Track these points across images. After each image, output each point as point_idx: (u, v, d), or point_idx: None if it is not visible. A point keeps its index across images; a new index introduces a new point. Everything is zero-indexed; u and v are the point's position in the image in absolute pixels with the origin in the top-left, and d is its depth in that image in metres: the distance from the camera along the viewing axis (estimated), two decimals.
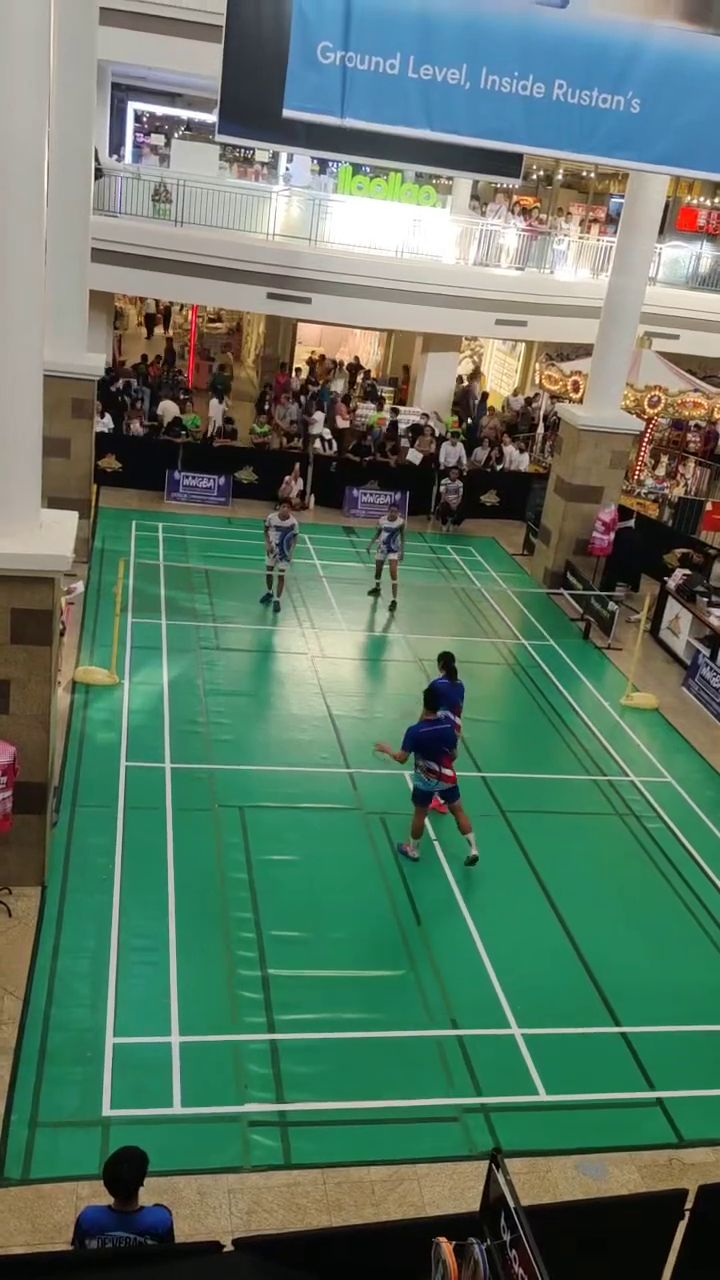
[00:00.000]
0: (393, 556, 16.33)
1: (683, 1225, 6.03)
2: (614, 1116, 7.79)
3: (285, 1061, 7.78)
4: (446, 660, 11.09)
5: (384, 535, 16.27)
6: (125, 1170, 5.15)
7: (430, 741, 9.87)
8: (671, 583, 16.88)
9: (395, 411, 23.55)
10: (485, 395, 28.31)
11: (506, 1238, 4.67)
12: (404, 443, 21.89)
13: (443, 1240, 4.87)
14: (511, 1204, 4.65)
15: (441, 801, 10.23)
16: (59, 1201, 6.44)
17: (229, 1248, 5.25)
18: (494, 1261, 4.69)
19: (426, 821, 10.37)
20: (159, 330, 34.05)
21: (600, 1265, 5.78)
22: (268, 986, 8.45)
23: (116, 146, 27.53)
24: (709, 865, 11.03)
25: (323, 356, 28.52)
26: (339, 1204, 6.76)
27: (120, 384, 22.48)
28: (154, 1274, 5.01)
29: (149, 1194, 5.35)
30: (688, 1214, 6.01)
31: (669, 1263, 6.17)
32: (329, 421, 22.19)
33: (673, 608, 16.60)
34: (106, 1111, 7.14)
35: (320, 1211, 6.68)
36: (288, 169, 26.16)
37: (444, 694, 10.92)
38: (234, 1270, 5.12)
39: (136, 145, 29.92)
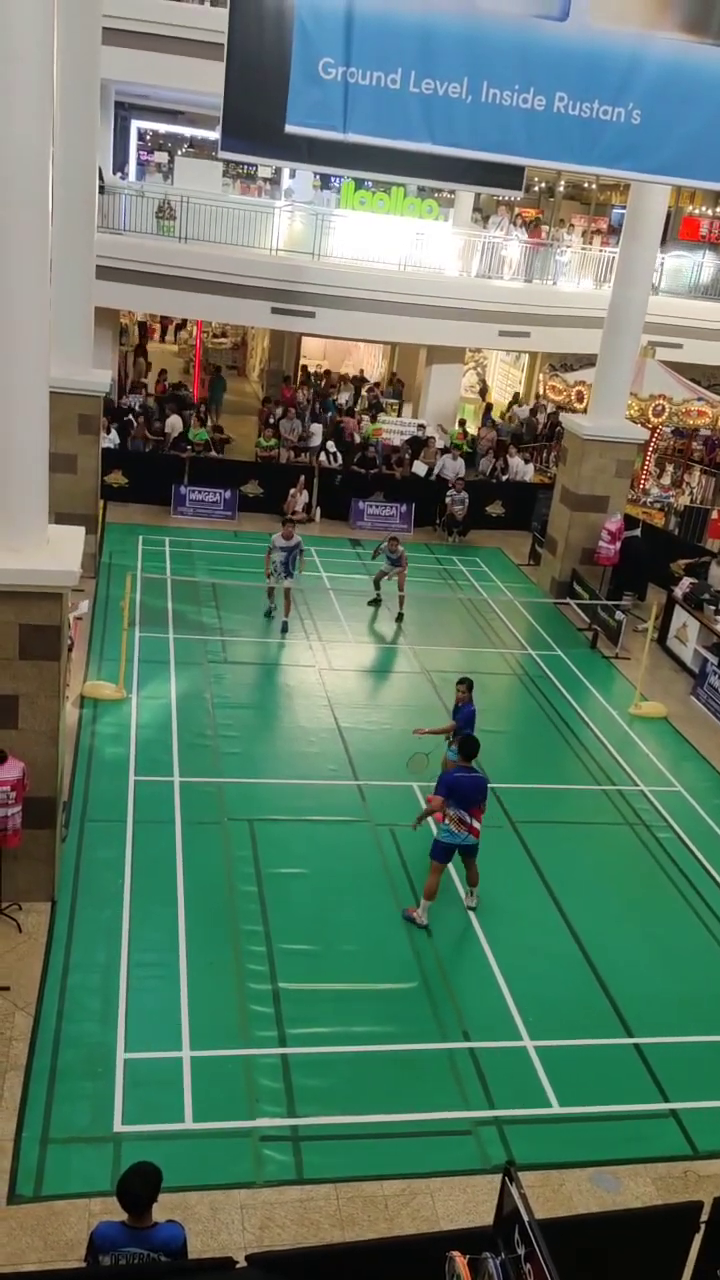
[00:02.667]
0: (399, 570, 16.35)
1: (699, 1238, 5.99)
2: (628, 1128, 7.74)
3: (297, 1075, 7.76)
4: (471, 685, 11.09)
5: (385, 562, 16.37)
6: (138, 1186, 5.13)
7: (466, 789, 9.33)
8: (678, 591, 16.86)
9: (374, 418, 23.49)
10: (489, 406, 28.40)
11: (521, 1251, 4.64)
12: (404, 455, 21.91)
13: (457, 1254, 4.84)
14: (525, 1217, 4.62)
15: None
16: (71, 1218, 6.42)
17: (242, 1264, 5.23)
18: (508, 1275, 4.66)
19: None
20: (160, 343, 34.07)
21: (616, 1279, 5.74)
22: (278, 1000, 8.42)
23: (120, 164, 27.73)
24: (719, 874, 11.00)
25: (312, 369, 28.58)
26: (352, 1219, 6.72)
27: (128, 399, 22.57)
28: None
29: (161, 1210, 5.33)
30: (703, 1226, 5.97)
31: (685, 1276, 6.12)
32: (335, 434, 22.25)
33: (680, 616, 16.57)
34: (118, 1127, 7.12)
35: (333, 1226, 6.64)
36: (290, 184, 26.32)
37: (472, 717, 10.91)
38: None
39: (140, 162, 30.15)
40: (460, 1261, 4.79)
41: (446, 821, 9.41)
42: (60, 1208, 6.50)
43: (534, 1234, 4.53)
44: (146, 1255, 5.13)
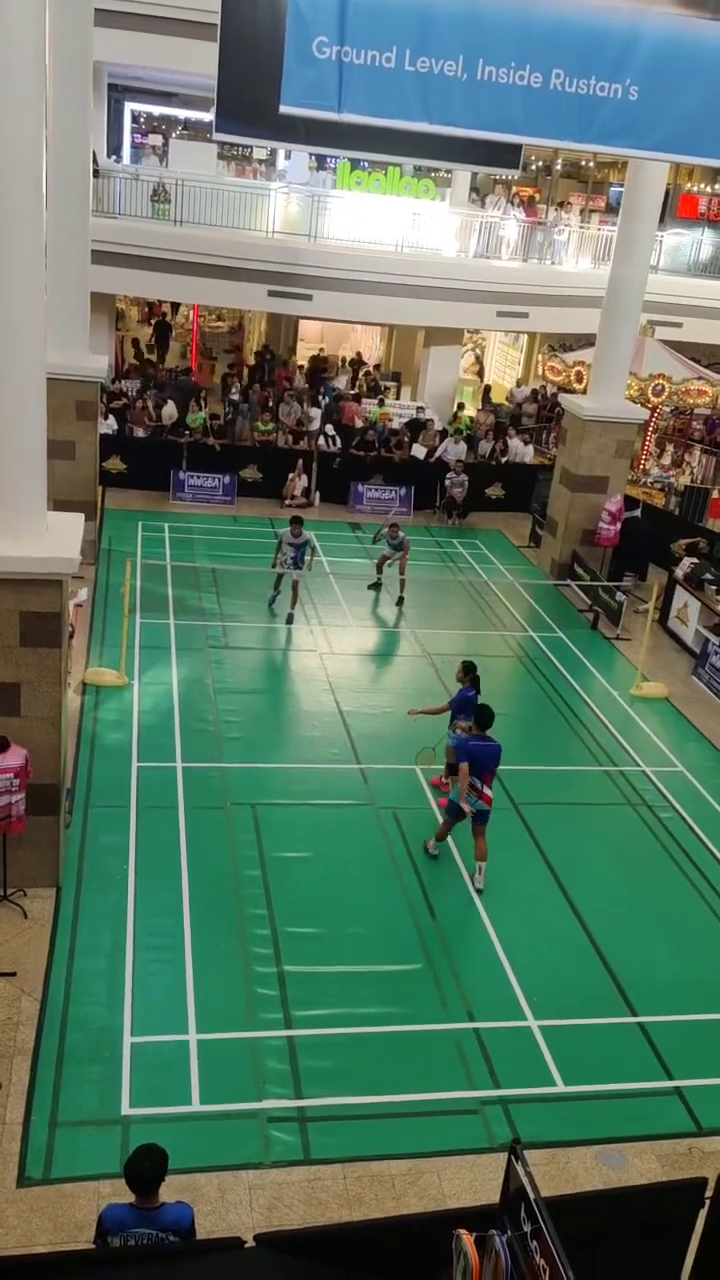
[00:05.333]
0: (401, 554, 16.32)
1: (703, 1213, 6.03)
2: (632, 1106, 7.79)
3: (303, 1057, 7.80)
4: (472, 670, 11.06)
5: (386, 547, 16.33)
6: (146, 1168, 5.16)
7: (482, 755, 9.69)
8: (679, 571, 16.84)
9: (381, 402, 23.42)
10: (488, 388, 28.27)
11: (527, 1229, 4.67)
12: (403, 438, 21.83)
13: (464, 1232, 4.87)
14: (532, 1195, 4.65)
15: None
16: (80, 1200, 6.47)
17: (251, 1244, 5.26)
18: (515, 1252, 4.69)
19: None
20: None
21: (621, 1255, 5.78)
22: (284, 983, 8.46)
23: (114, 147, 27.55)
24: None
25: (288, 351, 28.50)
26: (359, 1198, 6.77)
27: (123, 384, 22.49)
28: (177, 1271, 5.02)
29: (170, 1191, 5.37)
30: (708, 1202, 6.01)
31: (690, 1251, 6.17)
32: (334, 418, 22.17)
33: (681, 596, 16.55)
34: (126, 1110, 7.17)
35: (341, 1206, 6.69)
36: (285, 166, 26.15)
37: (470, 705, 10.89)
38: (257, 1266, 5.13)
39: (134, 146, 29.95)
40: (467, 1239, 4.83)
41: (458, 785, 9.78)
42: (69, 1190, 6.55)
43: (540, 1211, 4.56)
44: (155, 1236, 5.17)
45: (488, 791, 9.72)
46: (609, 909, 9.89)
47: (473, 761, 9.65)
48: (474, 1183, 6.94)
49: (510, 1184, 5.01)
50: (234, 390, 23.18)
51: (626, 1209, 5.99)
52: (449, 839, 10.34)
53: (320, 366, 26.95)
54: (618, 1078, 8.01)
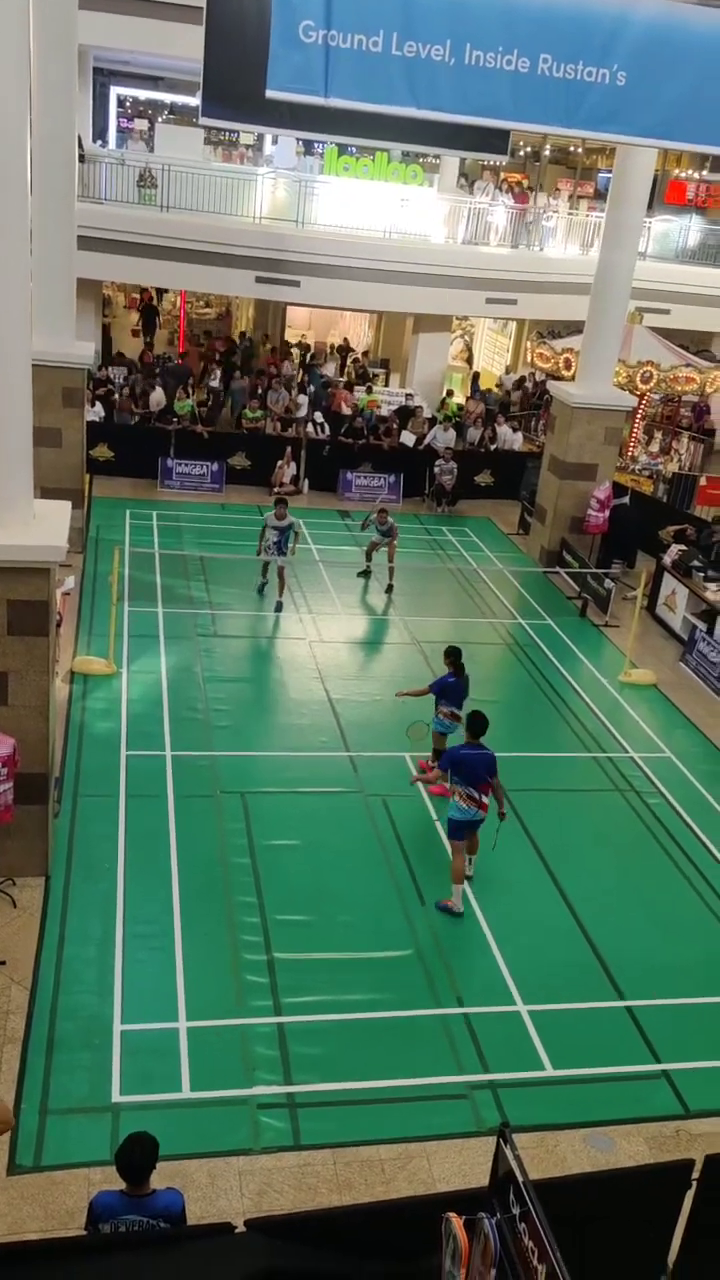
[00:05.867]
0: (390, 541, 16.31)
1: (690, 1195, 6.09)
2: (620, 1089, 7.84)
3: (293, 1044, 7.83)
4: (454, 656, 11.02)
5: (375, 534, 16.33)
6: (137, 1155, 5.18)
7: (472, 764, 9.18)
8: (667, 558, 16.87)
9: (369, 389, 23.37)
10: (477, 375, 28.22)
11: (516, 1211, 4.70)
12: (392, 425, 21.79)
13: (453, 1215, 4.90)
14: (520, 1178, 4.68)
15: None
16: (71, 1187, 6.49)
17: (241, 1229, 5.29)
18: (504, 1235, 4.73)
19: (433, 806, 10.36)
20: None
21: (610, 1236, 5.83)
22: (273, 970, 8.49)
23: (100, 132, 27.35)
24: (709, 839, 11.07)
25: (263, 337, 28.38)
26: (349, 1183, 6.81)
27: (110, 372, 22.38)
28: (167, 1257, 5.05)
29: (160, 1178, 5.38)
30: (695, 1184, 6.06)
31: (677, 1232, 6.23)
32: (323, 405, 22.10)
33: (669, 583, 16.59)
34: (116, 1098, 7.18)
35: (331, 1191, 6.73)
36: (272, 151, 26.00)
37: (453, 690, 10.90)
38: (247, 1251, 5.16)
39: (120, 130, 29.74)
40: (456, 1222, 4.86)
41: (456, 799, 9.31)
42: (60, 1177, 6.57)
43: (529, 1194, 4.59)
44: (146, 1222, 5.19)
45: (485, 801, 9.31)
46: (597, 895, 9.93)
47: (456, 769, 9.24)
48: (463, 1166, 6.99)
49: (499, 1167, 5.05)
50: (213, 377, 23.04)
51: (614, 1191, 6.04)
52: (432, 812, 10.32)
53: (307, 351, 26.87)
54: (606, 1061, 8.06)
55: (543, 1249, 4.40)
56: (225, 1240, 5.19)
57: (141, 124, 28.63)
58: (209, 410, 21.32)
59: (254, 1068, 7.58)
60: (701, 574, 16.28)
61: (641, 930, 9.57)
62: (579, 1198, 5.74)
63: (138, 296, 33.30)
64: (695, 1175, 6.04)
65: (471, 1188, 5.95)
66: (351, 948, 8.86)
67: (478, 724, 9.41)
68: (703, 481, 20.65)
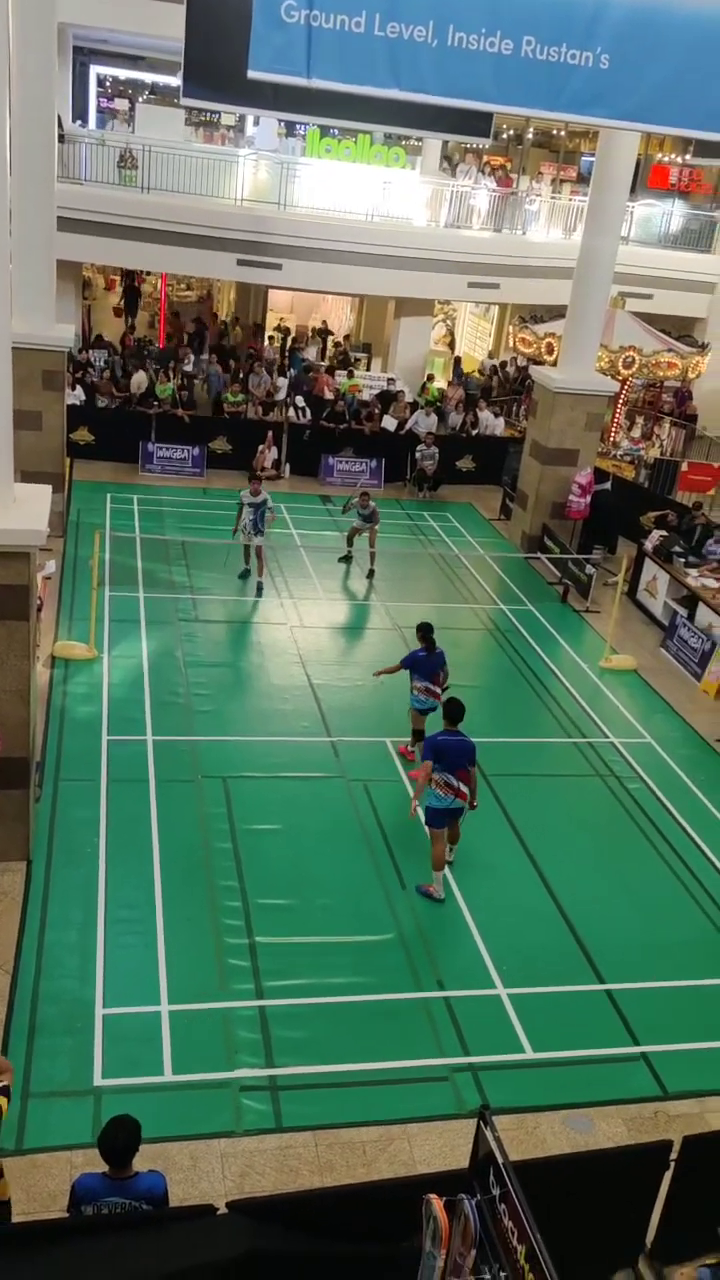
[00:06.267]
0: (371, 526, 16.29)
1: (668, 1175, 6.16)
2: (600, 1072, 7.91)
3: (275, 1027, 7.85)
4: (424, 631, 11.10)
5: (357, 516, 16.31)
6: (119, 1138, 5.19)
7: (452, 752, 9.22)
8: (648, 544, 16.93)
9: (350, 374, 23.29)
10: (459, 360, 28.16)
11: (496, 1192, 4.75)
12: (374, 409, 21.73)
13: (433, 1197, 4.94)
14: (500, 1159, 4.73)
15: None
16: (53, 1170, 6.50)
17: (223, 1211, 5.31)
18: (484, 1216, 4.77)
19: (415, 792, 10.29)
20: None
21: (588, 1216, 5.89)
22: (255, 954, 8.51)
23: (80, 112, 27.05)
24: (688, 823, 11.16)
25: (236, 321, 28.26)
26: (331, 1165, 6.85)
27: (90, 354, 22.20)
28: (149, 1238, 5.07)
29: (142, 1160, 5.40)
30: (673, 1164, 6.13)
31: (655, 1212, 6.30)
32: (305, 389, 22.00)
33: (650, 569, 16.65)
34: (98, 1081, 7.19)
35: (312, 1173, 6.77)
36: (254, 132, 25.79)
37: (423, 664, 10.97)
38: (229, 1232, 5.18)
39: (100, 110, 29.44)
40: (437, 1204, 4.90)
41: (435, 787, 9.31)
42: (42, 1160, 6.58)
43: (509, 1175, 4.63)
44: (128, 1205, 5.21)
45: (464, 789, 9.32)
46: (577, 879, 10.00)
47: (437, 756, 9.23)
48: (444, 1148, 7.04)
49: (479, 1149, 5.09)
50: (187, 361, 22.84)
51: (594, 1172, 6.11)
52: (421, 816, 10.32)
53: (288, 335, 26.75)
54: (585, 1044, 8.12)
55: (522, 1229, 4.44)
56: (207, 1222, 5.22)
57: (122, 104, 28.37)
58: (185, 394, 21.18)
59: (236, 1051, 7.61)
60: (682, 560, 16.35)
61: (621, 914, 9.64)
62: (558, 1179, 5.80)
63: (117, 277, 33.06)
64: (673, 1156, 6.12)
65: (452, 1169, 5.99)
66: (333, 931, 8.89)
67: (455, 710, 9.46)
68: (684, 467, 20.72)
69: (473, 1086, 7.60)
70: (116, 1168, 5.22)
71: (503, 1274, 4.59)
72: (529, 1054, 7.95)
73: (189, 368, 22.45)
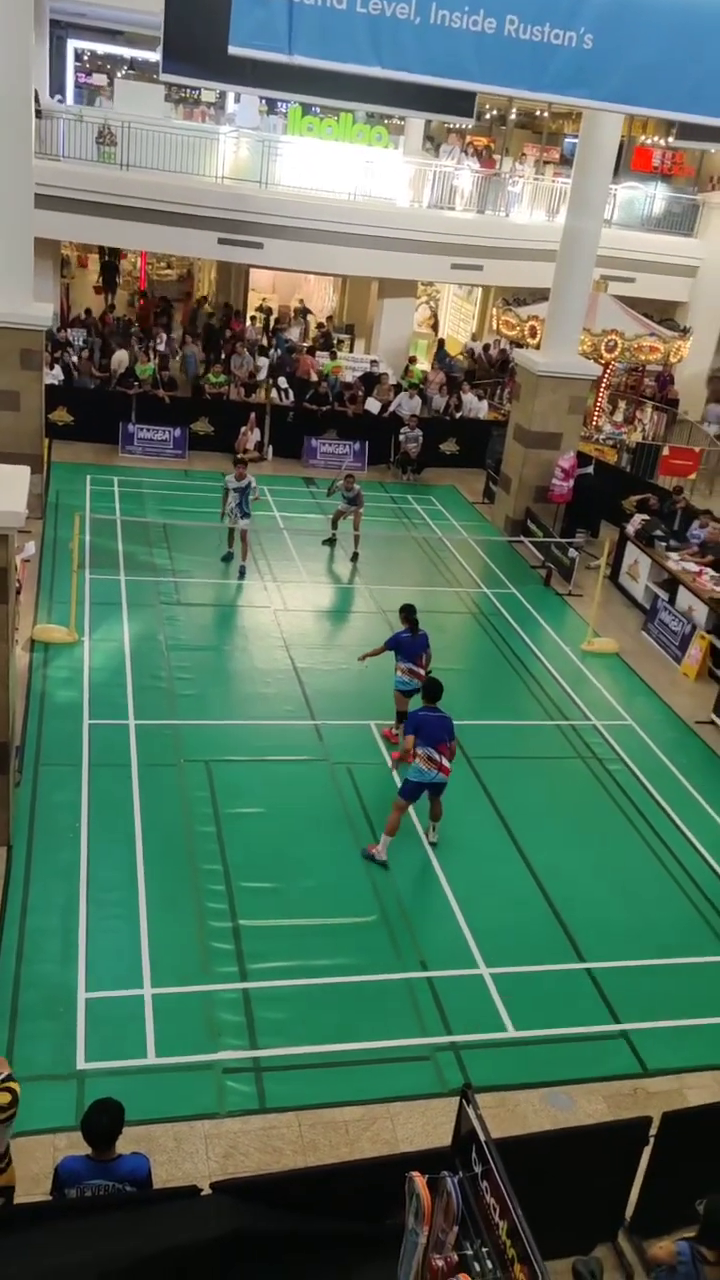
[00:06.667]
0: (355, 509, 16.25)
1: (648, 1151, 6.23)
2: (580, 1050, 7.99)
3: (258, 1009, 7.88)
4: (408, 612, 11.14)
5: (341, 499, 16.27)
6: (103, 1121, 5.20)
7: (433, 727, 9.44)
8: (630, 528, 16.97)
9: (333, 355, 23.17)
10: (442, 342, 28.07)
11: (478, 1169, 4.79)
12: (357, 392, 21.64)
13: (416, 1175, 4.98)
14: (482, 1137, 4.77)
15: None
16: (37, 1153, 6.50)
17: (207, 1191, 5.34)
18: (466, 1192, 4.81)
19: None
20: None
21: (569, 1192, 5.96)
22: (238, 937, 8.52)
23: (58, 87, 26.70)
24: (668, 805, 11.23)
25: (203, 300, 28.13)
26: (314, 1145, 6.89)
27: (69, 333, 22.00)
28: (133, 1219, 5.08)
29: (126, 1142, 5.41)
30: (652, 1140, 6.21)
31: (635, 1187, 6.38)
32: (287, 371, 21.88)
33: (631, 553, 16.70)
34: (81, 1065, 7.20)
35: (296, 1153, 6.81)
36: (235, 109, 25.54)
37: (407, 645, 11.02)
38: (213, 1212, 5.21)
39: (78, 85, 29.06)
40: (419, 1181, 4.94)
41: (416, 760, 9.45)
42: (25, 1144, 6.57)
43: (490, 1152, 4.67)
44: (112, 1186, 5.23)
45: (445, 763, 9.48)
46: (559, 859, 10.06)
47: (419, 731, 9.42)
48: (426, 1126, 7.09)
49: (461, 1127, 5.13)
50: (159, 340, 22.62)
51: (574, 1148, 6.17)
52: (396, 777, 10.37)
53: (270, 315, 26.59)
54: (566, 1022, 8.20)
55: (504, 1206, 4.49)
56: (191, 1203, 5.24)
57: (100, 79, 28.02)
58: (166, 375, 21.01)
59: (219, 1033, 7.63)
60: (664, 543, 16.40)
61: (602, 894, 9.72)
62: (540, 1155, 5.86)
63: (93, 255, 32.76)
64: (652, 1132, 6.19)
65: (434, 1147, 6.04)
66: (316, 913, 8.91)
67: (434, 689, 9.72)
68: (665, 451, 20.75)
69: (455, 1065, 7.65)
70: (100, 1150, 5.23)
71: (485, 1249, 4.63)
72: (511, 1033, 8.02)
73: (161, 347, 22.24)
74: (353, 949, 8.60)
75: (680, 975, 8.89)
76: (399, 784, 10.70)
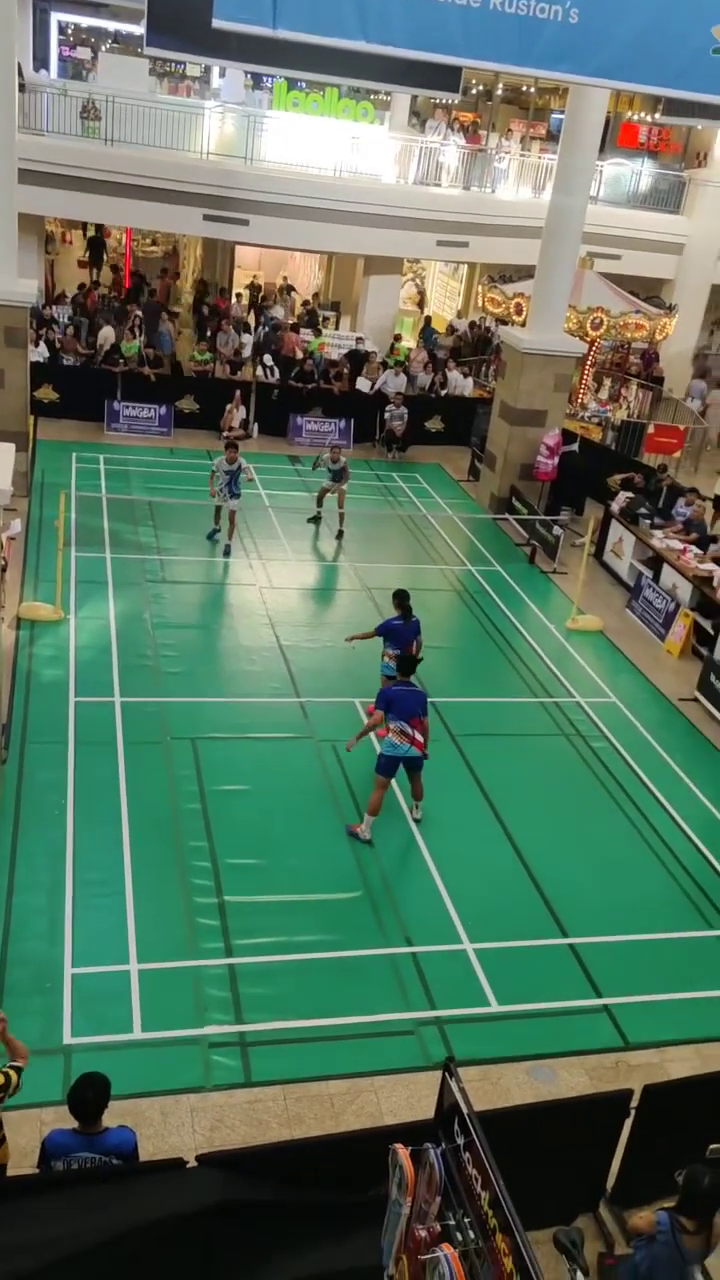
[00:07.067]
0: (340, 485, 16.23)
1: (629, 1123, 6.32)
2: (563, 1023, 8.07)
3: (244, 984, 7.94)
4: (401, 599, 11.12)
5: (327, 474, 16.23)
6: (89, 1095, 5.24)
7: (405, 701, 9.47)
8: (615, 506, 17.00)
9: (317, 332, 23.02)
10: (428, 320, 27.96)
11: (461, 1141, 4.85)
12: (343, 369, 21.53)
13: (399, 1146, 5.04)
14: (465, 1109, 4.82)
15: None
16: (24, 1127, 6.54)
17: (193, 1164, 5.39)
18: (449, 1164, 4.87)
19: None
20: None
21: (551, 1163, 6.04)
22: (224, 913, 8.57)
23: (41, 60, 26.36)
24: (651, 781, 11.32)
25: (174, 276, 27.92)
26: (299, 1117, 6.96)
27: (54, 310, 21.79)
28: (120, 1192, 5.14)
29: (113, 1116, 5.46)
30: (633, 1112, 6.29)
31: (616, 1159, 6.47)
32: (273, 348, 21.76)
33: (616, 531, 16.74)
34: (67, 1039, 7.24)
35: (281, 1126, 6.88)
36: (220, 84, 25.28)
37: (398, 632, 10.99)
38: (199, 1184, 5.27)
39: (62, 59, 28.69)
40: (403, 1153, 5.00)
41: (389, 735, 9.56)
42: (11, 1117, 6.59)
43: (473, 1125, 4.73)
44: (99, 1159, 5.28)
45: (418, 736, 9.52)
46: (542, 835, 10.13)
47: (388, 705, 9.45)
48: (410, 1099, 7.17)
49: (445, 1100, 5.19)
50: (133, 318, 22.33)
51: (556, 1121, 6.25)
52: (394, 788, 10.40)
53: (258, 292, 26.39)
54: (549, 997, 8.28)
55: (486, 1177, 4.55)
56: (177, 1175, 5.29)
57: (84, 53, 27.67)
58: (151, 352, 20.82)
59: (205, 1008, 7.68)
60: (648, 521, 16.44)
61: (585, 870, 9.80)
62: (522, 1127, 5.93)
63: (76, 231, 32.43)
64: (633, 1104, 6.27)
65: (418, 1120, 6.10)
66: (302, 890, 8.96)
67: (407, 664, 9.83)
68: (650, 429, 20.77)
69: (439, 1039, 7.73)
70: (86, 1124, 5.28)
71: (467, 1220, 4.70)
72: (494, 1007, 8.10)
73: (134, 324, 21.92)
74: (337, 925, 8.67)
75: (662, 950, 8.99)
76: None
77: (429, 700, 9.81)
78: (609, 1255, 6.31)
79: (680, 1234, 5.26)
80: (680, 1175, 5.34)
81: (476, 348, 24.87)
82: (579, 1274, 5.28)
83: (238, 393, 19.94)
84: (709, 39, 9.43)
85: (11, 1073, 5.38)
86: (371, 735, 10.69)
